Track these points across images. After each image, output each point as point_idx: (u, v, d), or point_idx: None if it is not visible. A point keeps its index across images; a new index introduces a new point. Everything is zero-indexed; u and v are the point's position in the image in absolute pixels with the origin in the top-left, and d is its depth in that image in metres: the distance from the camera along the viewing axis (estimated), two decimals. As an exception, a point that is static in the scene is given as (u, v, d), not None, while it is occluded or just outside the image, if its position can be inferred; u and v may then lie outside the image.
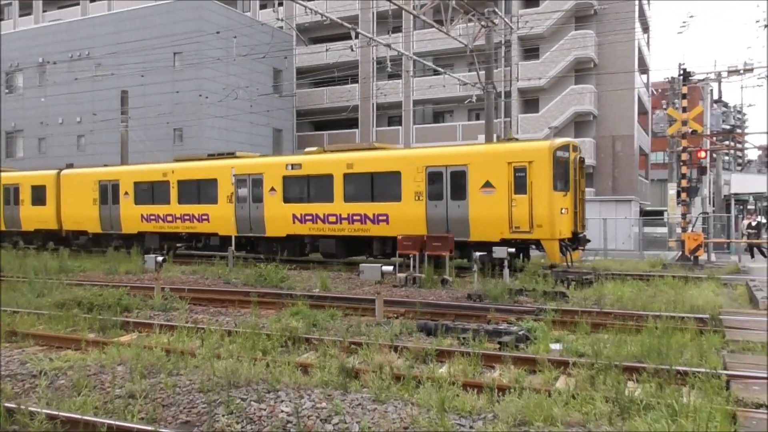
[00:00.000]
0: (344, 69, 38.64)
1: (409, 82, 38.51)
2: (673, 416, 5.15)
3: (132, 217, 22.49)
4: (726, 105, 43.03)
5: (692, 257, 18.07)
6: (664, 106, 32.60)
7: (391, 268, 14.09)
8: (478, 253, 14.32)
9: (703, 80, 29.85)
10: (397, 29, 36.78)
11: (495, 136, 24.23)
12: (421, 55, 33.07)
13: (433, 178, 17.05)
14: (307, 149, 21.36)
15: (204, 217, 20.76)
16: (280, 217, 19.29)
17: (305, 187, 19.13)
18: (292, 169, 19.31)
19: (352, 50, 20.12)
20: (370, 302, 10.92)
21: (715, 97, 36.97)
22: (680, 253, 19.15)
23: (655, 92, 47.07)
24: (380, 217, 17.66)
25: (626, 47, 35.80)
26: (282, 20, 20.18)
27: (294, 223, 19.06)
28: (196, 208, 20.95)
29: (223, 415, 5.63)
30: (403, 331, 9.18)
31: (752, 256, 23.05)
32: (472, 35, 22.63)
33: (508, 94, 35.92)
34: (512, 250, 14.89)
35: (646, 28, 43.22)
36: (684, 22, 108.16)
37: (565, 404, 5.75)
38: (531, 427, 5.36)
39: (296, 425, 5.37)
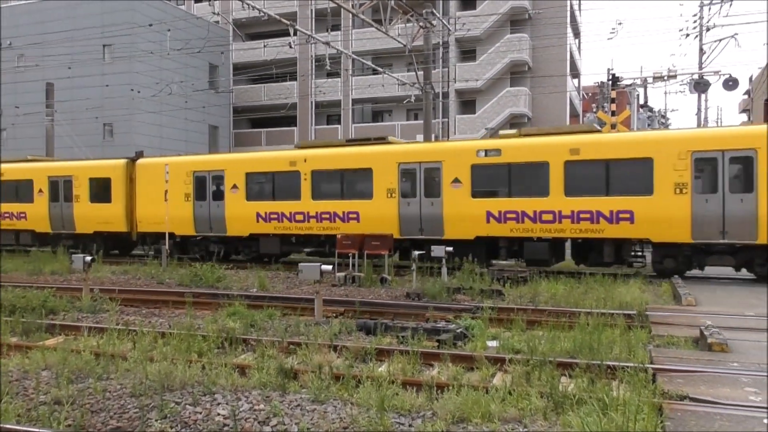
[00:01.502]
0: (282, 66, 38.22)
1: (348, 80, 38.49)
2: (604, 410, 5.33)
3: (242, 216, 18.90)
4: (651, 109, 45.06)
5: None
6: (595, 110, 33.84)
7: (330, 267, 14.02)
8: (417, 252, 14.42)
9: (630, 85, 31.21)
10: (336, 27, 36.65)
11: (433, 136, 24.52)
12: (361, 54, 33.10)
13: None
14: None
15: (352, 215, 17.62)
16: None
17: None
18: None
19: (291, 47, 19.90)
20: (309, 302, 10.82)
21: (642, 101, 38.68)
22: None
23: (586, 96, 48.79)
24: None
25: (559, 52, 37.01)
26: (218, 15, 19.65)
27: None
28: (339, 204, 17.70)
29: (156, 420, 5.43)
30: (342, 331, 9.14)
31: None
32: (410, 35, 22.81)
33: (446, 95, 36.45)
34: (450, 249, 15.05)
35: (577, 34, 44.79)
36: (613, 29, 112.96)
37: (502, 400, 5.86)
38: (469, 424, 5.44)
39: (233, 428, 5.25)
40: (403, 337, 8.39)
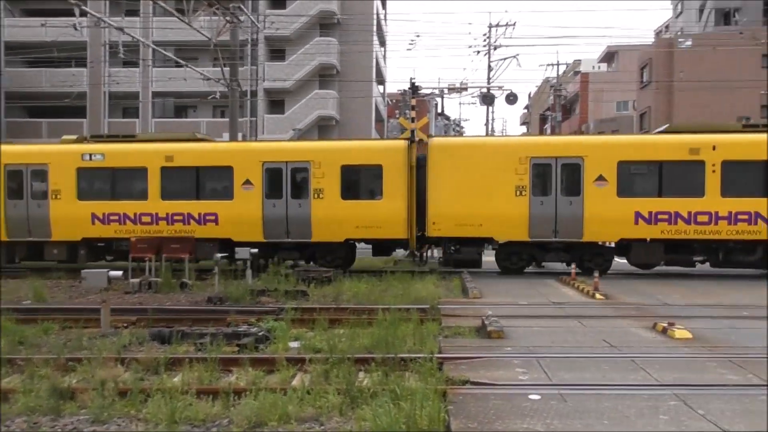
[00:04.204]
0: (68, 50, 34.42)
1: (148, 71, 35.99)
2: (395, 400, 5.59)
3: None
4: (448, 118, 48.84)
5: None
6: (397, 116, 35.69)
7: (120, 273, 12.85)
8: (219, 255, 13.89)
9: (429, 95, 33.45)
10: (134, 13, 34.07)
11: (240, 135, 23.91)
12: (162, 44, 31.14)
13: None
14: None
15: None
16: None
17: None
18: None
19: (76, 29, 17.97)
20: (96, 312, 9.85)
21: (439, 110, 41.72)
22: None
23: (390, 102, 51.28)
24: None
25: (365, 58, 38.40)
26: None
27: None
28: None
29: None
30: (133, 342, 8.47)
31: None
32: (216, 29, 21.99)
33: (254, 94, 35.82)
34: (255, 250, 14.75)
35: (383, 42, 46.90)
36: (412, 41, 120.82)
37: (300, 400, 5.87)
38: (266, 428, 5.35)
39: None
40: (201, 343, 8.02)
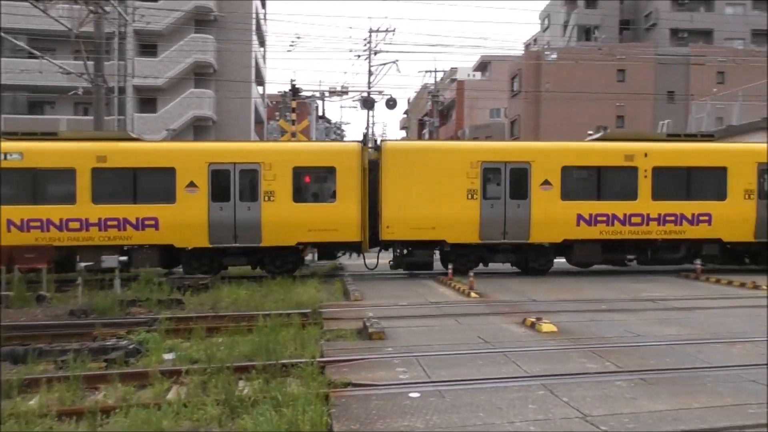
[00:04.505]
0: None
1: (-5, 62, 32.66)
2: (277, 407, 5.49)
3: (558, 218, 15.75)
4: (329, 121, 48.91)
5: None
6: (277, 118, 35.19)
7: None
8: (83, 263, 12.88)
9: (310, 97, 33.30)
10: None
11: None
12: (12, 32, 28.39)
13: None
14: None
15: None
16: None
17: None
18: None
19: None
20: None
21: (320, 113, 41.70)
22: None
23: (270, 104, 50.47)
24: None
25: (244, 57, 37.47)
26: None
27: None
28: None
29: None
30: (-20, 363, 7.63)
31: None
32: (78, 19, 20.45)
33: (122, 90, 33.69)
34: (124, 258, 13.83)
35: (262, 42, 46.04)
36: (292, 42, 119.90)
37: (176, 414, 5.60)
38: (137, 446, 5.05)
39: None
40: (63, 361, 7.40)
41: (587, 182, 16.24)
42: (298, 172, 15.42)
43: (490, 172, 15.81)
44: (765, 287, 13.10)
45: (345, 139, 47.47)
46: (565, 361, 6.95)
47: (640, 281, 14.95)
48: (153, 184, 15.10)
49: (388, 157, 15.64)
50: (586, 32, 55.71)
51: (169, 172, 14.98)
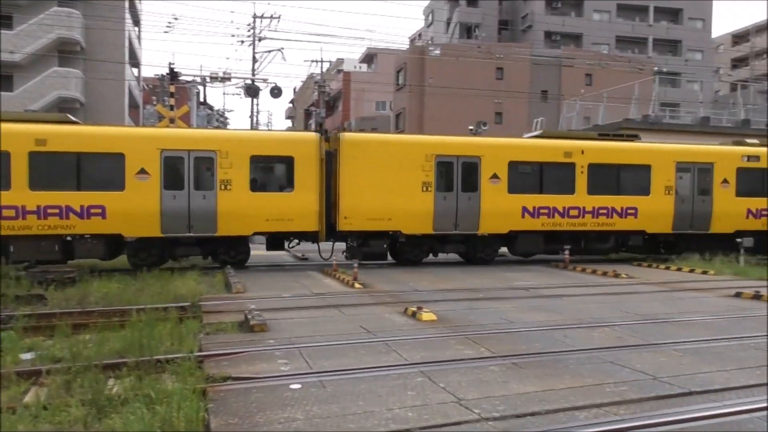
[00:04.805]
0: None
1: None
2: (150, 405, 5.22)
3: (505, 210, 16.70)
4: (211, 108, 47.11)
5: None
6: (155, 102, 33.37)
7: None
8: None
9: (190, 82, 31.85)
10: None
11: None
12: None
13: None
14: None
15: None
16: None
17: None
18: None
19: None
20: None
21: (201, 99, 40.03)
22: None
23: (146, 87, 47.76)
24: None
25: (117, 37, 35.10)
26: None
27: None
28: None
29: None
30: None
31: None
32: None
33: (-27, 65, 30.40)
34: None
35: (137, 21, 43.34)
36: (170, 23, 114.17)
37: (35, 418, 5.17)
38: (-13, 456, 4.59)
39: None
40: None
41: (531, 177, 17.15)
42: (256, 161, 15.30)
43: (443, 166, 16.37)
44: (624, 276, 14.35)
45: (228, 127, 46.03)
46: (443, 348, 7.20)
47: (516, 271, 15.83)
48: (100, 170, 14.45)
49: (346, 149, 15.74)
50: (468, 30, 57.87)
51: (117, 158, 14.34)
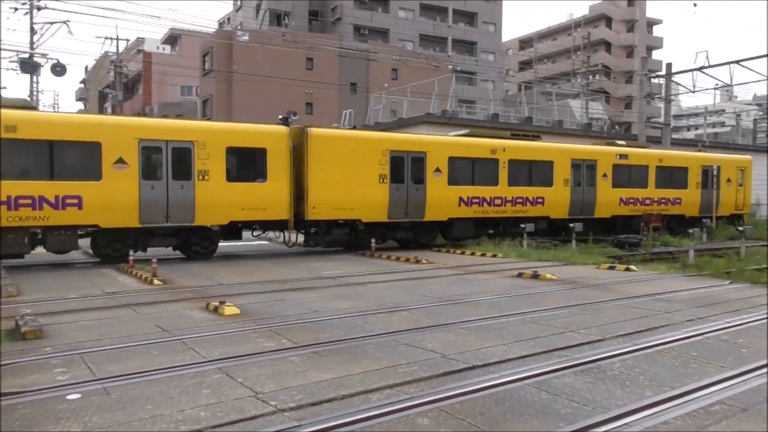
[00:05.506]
0: None
1: None
2: None
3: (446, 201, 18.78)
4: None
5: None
6: None
7: None
8: None
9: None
10: None
11: None
12: None
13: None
14: None
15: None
16: None
17: None
18: None
19: None
20: None
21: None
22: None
23: None
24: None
25: None
26: None
27: None
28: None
29: None
30: None
31: None
32: None
33: None
34: None
35: None
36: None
37: None
38: None
39: None
40: None
41: (466, 171, 19.34)
42: (232, 152, 15.62)
43: (396, 160, 17.97)
44: (425, 261, 15.27)
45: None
46: (244, 342, 7.00)
47: (324, 260, 16.05)
48: (75, 159, 14.00)
49: (314, 143, 16.58)
50: (278, 18, 57.22)
51: (93, 147, 13.99)
